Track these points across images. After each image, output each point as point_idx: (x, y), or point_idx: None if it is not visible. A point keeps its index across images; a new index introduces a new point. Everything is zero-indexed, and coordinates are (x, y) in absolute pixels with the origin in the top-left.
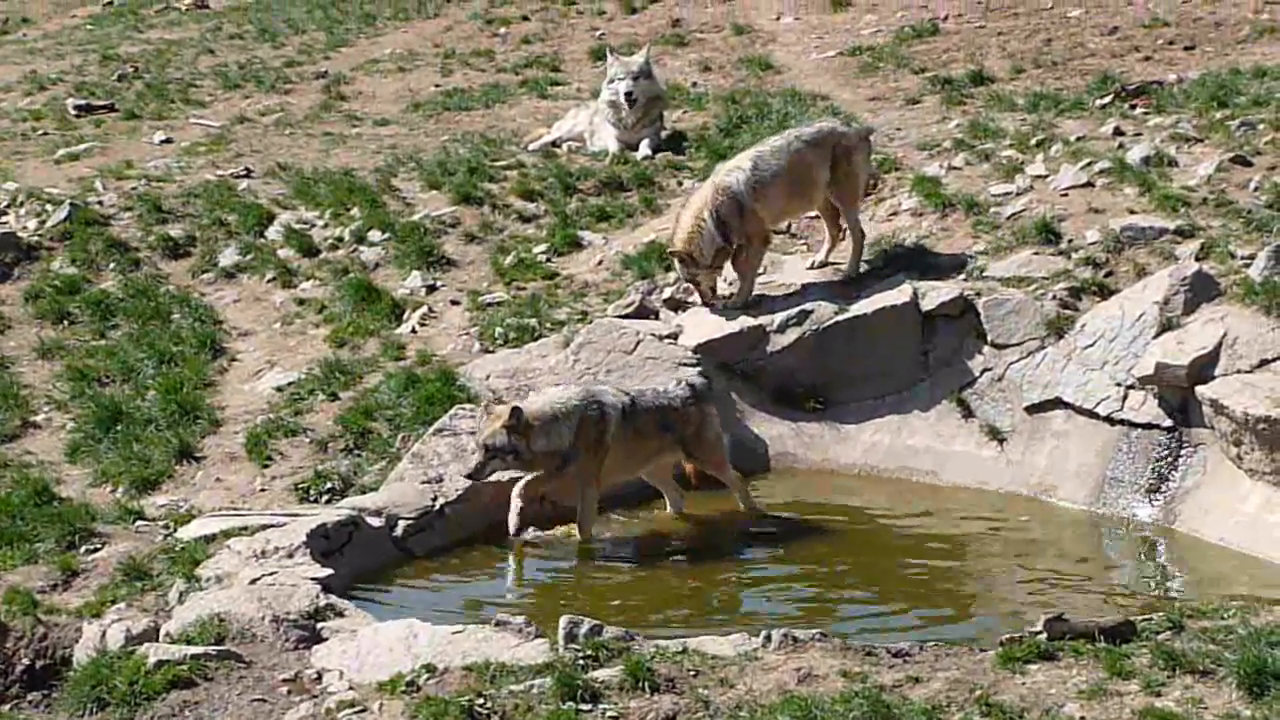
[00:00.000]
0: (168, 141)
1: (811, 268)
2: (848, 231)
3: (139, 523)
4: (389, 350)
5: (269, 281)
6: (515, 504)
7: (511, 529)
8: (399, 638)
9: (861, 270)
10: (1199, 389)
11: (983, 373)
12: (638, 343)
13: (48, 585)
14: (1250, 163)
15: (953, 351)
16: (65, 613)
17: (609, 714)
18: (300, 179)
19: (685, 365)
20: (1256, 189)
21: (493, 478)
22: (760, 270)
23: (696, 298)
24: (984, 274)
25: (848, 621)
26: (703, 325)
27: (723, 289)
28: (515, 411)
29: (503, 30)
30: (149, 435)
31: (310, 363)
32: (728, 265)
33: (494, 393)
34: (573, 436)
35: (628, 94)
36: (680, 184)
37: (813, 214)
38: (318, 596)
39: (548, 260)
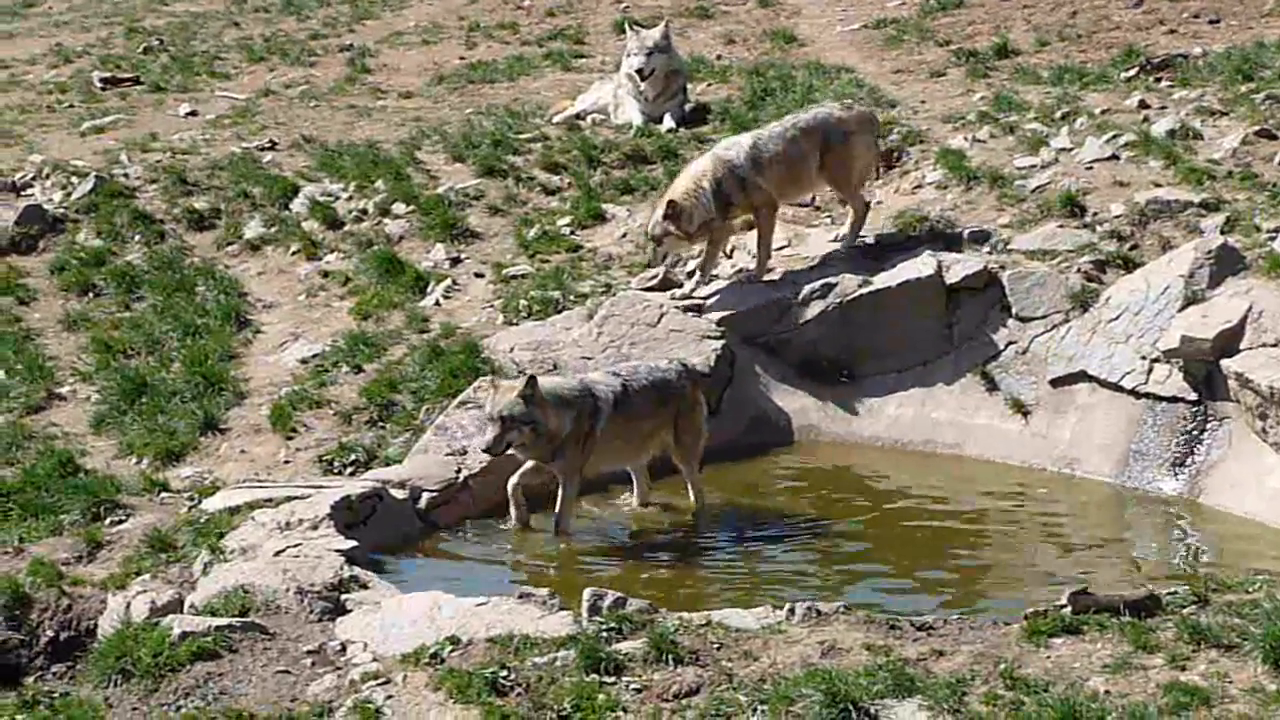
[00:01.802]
0: (193, 114)
1: (834, 241)
2: (849, 206)
3: (164, 494)
4: (413, 322)
5: (293, 254)
6: (515, 498)
7: (518, 522)
8: (423, 610)
9: (865, 241)
10: (1224, 362)
11: (1007, 346)
12: (661, 315)
13: (72, 557)
14: (1275, 135)
15: (977, 325)
16: (90, 584)
17: (632, 686)
18: (325, 152)
19: (709, 338)
20: None
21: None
22: (783, 244)
23: (728, 268)
24: (1008, 247)
25: (872, 594)
26: (727, 298)
27: (744, 260)
28: (531, 381)
29: (527, 3)
30: (174, 407)
31: (335, 335)
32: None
33: (517, 365)
34: (572, 425)
35: (639, 70)
36: None
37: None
38: (342, 568)
39: (572, 233)
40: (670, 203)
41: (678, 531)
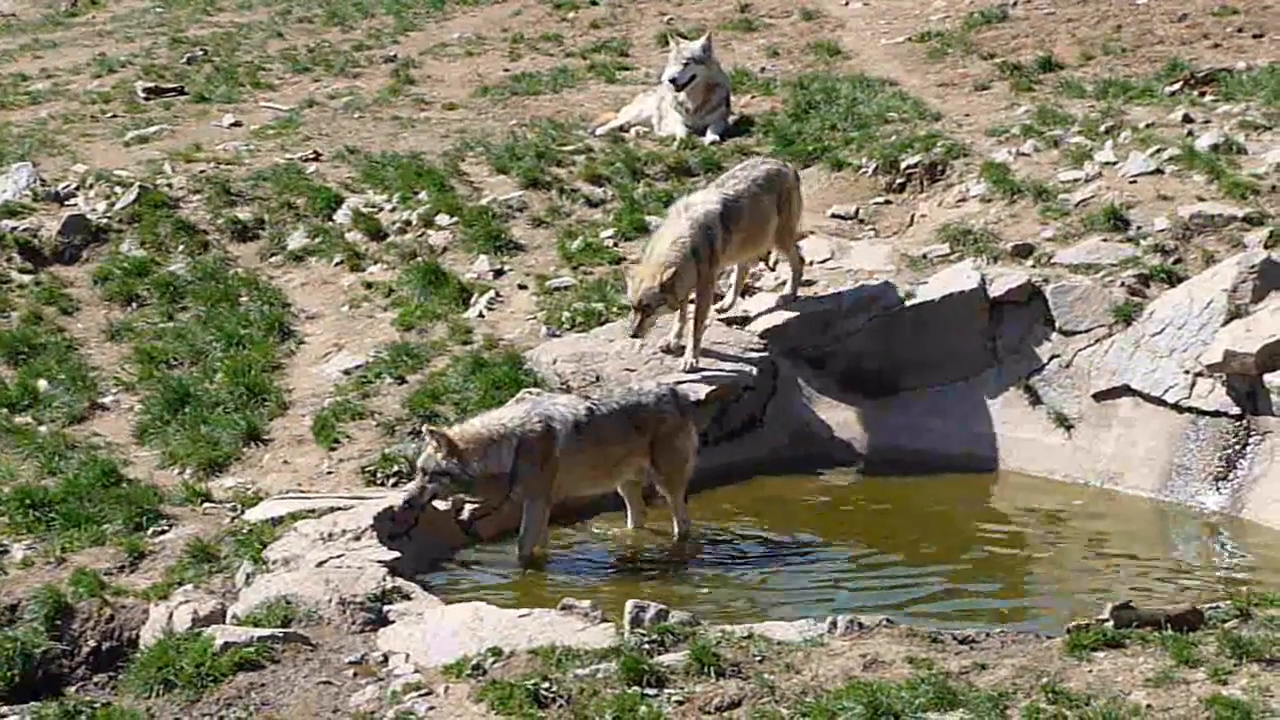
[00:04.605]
0: (237, 124)
1: (780, 304)
2: (787, 261)
3: (206, 505)
4: (456, 334)
5: (337, 264)
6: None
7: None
8: (465, 621)
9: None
10: (1267, 377)
11: (1050, 360)
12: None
13: (115, 567)
14: None
15: (1020, 338)
16: (132, 594)
17: (674, 698)
18: (369, 162)
19: (752, 350)
20: None
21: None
22: (826, 257)
23: (771, 280)
24: (1052, 261)
25: (913, 607)
26: (771, 311)
27: (785, 272)
28: (441, 438)
29: (571, 15)
30: (217, 417)
31: (378, 346)
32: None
33: (560, 377)
34: (513, 458)
35: (672, 80)
36: None
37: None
38: (384, 579)
39: (615, 245)
40: (674, 271)
41: (718, 546)
